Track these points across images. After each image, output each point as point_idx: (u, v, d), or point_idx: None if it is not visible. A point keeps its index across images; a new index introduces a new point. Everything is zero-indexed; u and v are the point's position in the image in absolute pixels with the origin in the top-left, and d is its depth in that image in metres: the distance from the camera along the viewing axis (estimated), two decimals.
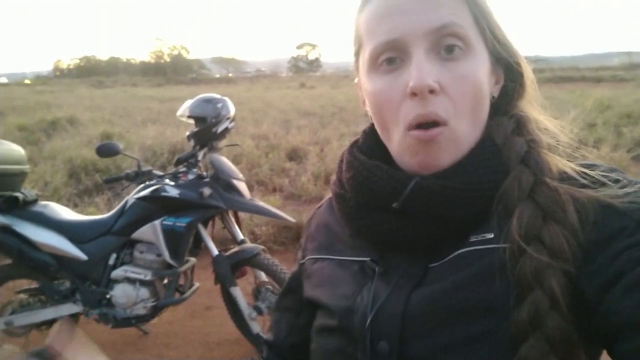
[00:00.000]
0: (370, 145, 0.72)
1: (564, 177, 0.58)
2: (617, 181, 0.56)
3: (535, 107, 0.67)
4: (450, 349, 0.56)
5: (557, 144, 0.63)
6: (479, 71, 0.61)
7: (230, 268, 2.79)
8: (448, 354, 0.56)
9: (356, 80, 0.73)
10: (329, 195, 0.81)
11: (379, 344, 0.60)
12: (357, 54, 0.69)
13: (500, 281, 0.55)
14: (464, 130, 0.61)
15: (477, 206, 0.60)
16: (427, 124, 0.58)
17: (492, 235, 0.58)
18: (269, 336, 0.85)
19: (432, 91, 0.57)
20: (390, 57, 0.61)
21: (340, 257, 0.72)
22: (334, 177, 0.75)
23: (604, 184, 0.56)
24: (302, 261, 0.80)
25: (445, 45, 0.59)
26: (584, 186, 0.56)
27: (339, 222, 0.74)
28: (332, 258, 0.73)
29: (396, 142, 0.63)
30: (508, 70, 0.66)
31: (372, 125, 0.74)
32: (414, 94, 0.58)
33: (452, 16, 0.59)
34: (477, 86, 0.60)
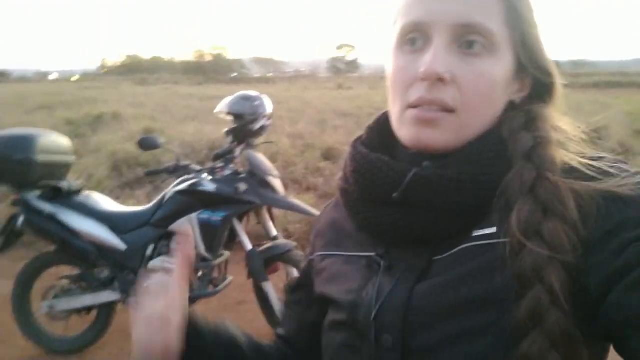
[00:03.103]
0: (373, 140, 0.73)
1: (570, 171, 0.57)
2: (622, 171, 0.56)
3: (556, 111, 0.66)
4: (452, 342, 0.56)
5: (570, 141, 0.62)
6: (496, 72, 0.61)
7: (263, 263, 2.82)
8: (451, 346, 0.56)
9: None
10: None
11: (383, 337, 0.61)
12: (393, 28, 0.69)
13: (501, 275, 0.55)
14: (470, 123, 0.62)
15: (475, 198, 0.60)
16: (429, 109, 0.60)
17: (494, 230, 0.58)
18: (281, 330, 0.86)
19: (441, 80, 0.59)
20: (414, 37, 0.62)
21: (347, 253, 0.73)
22: (340, 173, 0.75)
23: (609, 174, 0.55)
24: (311, 257, 0.81)
25: (468, 40, 0.60)
26: (590, 179, 0.56)
27: (346, 218, 0.74)
28: (340, 254, 0.74)
29: (396, 116, 0.66)
30: (536, 80, 0.66)
31: (376, 121, 0.76)
32: (423, 80, 0.60)
33: (482, 17, 0.59)
34: (490, 85, 0.61)
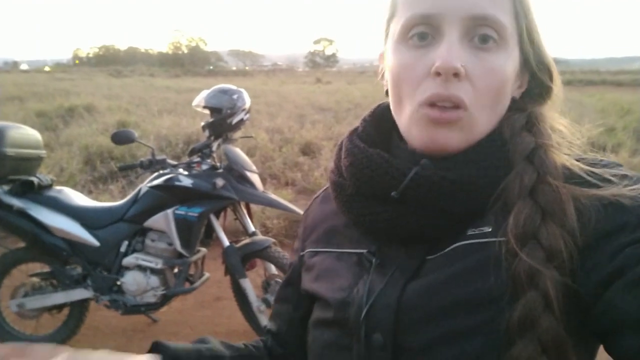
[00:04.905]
0: (370, 134, 0.71)
1: (570, 176, 0.57)
2: (623, 177, 0.55)
3: (554, 111, 0.66)
4: (444, 341, 0.55)
5: (568, 143, 0.62)
6: (507, 68, 0.60)
7: (241, 260, 2.80)
8: (442, 345, 0.55)
9: (381, 51, 0.71)
10: (325, 186, 0.80)
11: (374, 336, 0.60)
12: (388, 22, 0.66)
13: (495, 275, 0.54)
14: (480, 120, 0.60)
15: (475, 200, 0.59)
16: (443, 106, 0.58)
17: (490, 229, 0.58)
18: (272, 326, 0.85)
19: (456, 75, 0.56)
20: (423, 32, 0.59)
21: (338, 250, 0.71)
22: (331, 165, 0.73)
23: (609, 181, 0.55)
24: (301, 253, 0.79)
25: (481, 34, 0.58)
26: (589, 185, 0.55)
27: (337, 212, 0.72)
28: (330, 251, 0.73)
29: (407, 115, 0.62)
30: (534, 75, 0.65)
31: (372, 113, 0.74)
32: (437, 74, 0.57)
33: (494, 8, 0.58)
34: (502, 82, 0.59)
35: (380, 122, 0.72)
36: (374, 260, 0.65)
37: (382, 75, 0.70)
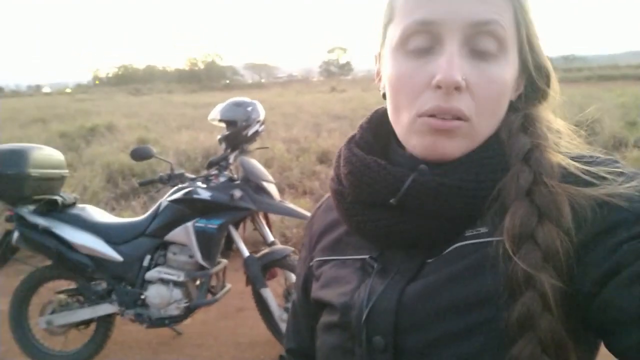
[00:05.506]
0: (367, 141, 0.71)
1: (566, 175, 0.56)
2: (619, 175, 0.55)
3: (551, 113, 0.66)
4: (444, 342, 0.56)
5: (565, 142, 0.62)
6: (507, 76, 0.59)
7: (261, 269, 2.81)
8: (442, 346, 0.56)
9: (376, 53, 0.71)
10: (327, 194, 0.80)
11: (375, 339, 0.60)
12: (385, 27, 0.65)
13: (492, 275, 0.54)
14: (481, 129, 0.60)
15: (473, 203, 0.59)
16: (443, 118, 0.58)
17: (486, 230, 0.58)
18: (292, 344, 0.84)
19: (457, 88, 0.56)
20: (422, 39, 0.58)
21: (343, 257, 0.72)
22: (331, 174, 0.74)
23: (605, 179, 0.55)
24: (310, 263, 0.80)
25: (481, 44, 0.57)
26: (586, 184, 0.55)
27: (339, 220, 0.73)
28: (336, 258, 0.74)
29: (405, 124, 0.62)
30: (532, 79, 0.64)
31: (369, 119, 0.74)
32: (438, 87, 0.56)
33: (496, 15, 0.57)
34: (502, 91, 0.59)
35: (378, 128, 0.73)
36: (375, 265, 0.66)
37: (379, 78, 0.70)
